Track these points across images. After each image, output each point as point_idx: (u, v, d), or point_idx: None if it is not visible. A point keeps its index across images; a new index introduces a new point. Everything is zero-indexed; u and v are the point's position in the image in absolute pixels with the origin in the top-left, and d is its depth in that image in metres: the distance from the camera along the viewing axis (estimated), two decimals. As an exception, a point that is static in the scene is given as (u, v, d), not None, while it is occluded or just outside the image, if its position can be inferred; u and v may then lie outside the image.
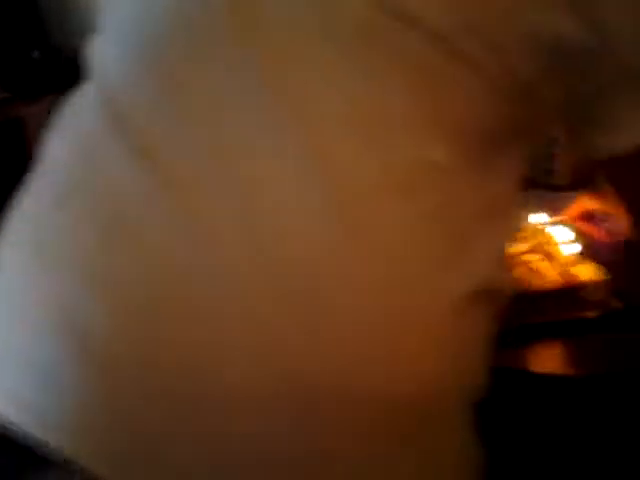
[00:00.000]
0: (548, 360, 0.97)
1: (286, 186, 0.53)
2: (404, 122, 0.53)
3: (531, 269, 1.07)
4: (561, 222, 1.13)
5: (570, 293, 1.03)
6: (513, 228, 0.62)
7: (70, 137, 0.62)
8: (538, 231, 1.14)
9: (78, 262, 0.56)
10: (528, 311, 1.02)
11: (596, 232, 1.08)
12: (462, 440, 0.59)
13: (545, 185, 1.26)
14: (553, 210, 1.18)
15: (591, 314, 1.02)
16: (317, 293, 0.52)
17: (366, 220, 0.53)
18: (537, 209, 1.19)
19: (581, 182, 0.84)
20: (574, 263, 1.07)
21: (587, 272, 1.05)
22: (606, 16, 0.55)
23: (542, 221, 1.15)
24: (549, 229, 1.13)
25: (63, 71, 1.66)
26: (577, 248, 1.09)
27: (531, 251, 1.12)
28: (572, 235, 1.11)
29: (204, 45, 0.57)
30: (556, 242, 1.12)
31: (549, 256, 1.10)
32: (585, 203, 1.10)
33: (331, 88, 0.53)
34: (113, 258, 0.55)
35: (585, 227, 1.10)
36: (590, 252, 1.11)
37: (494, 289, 0.60)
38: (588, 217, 1.10)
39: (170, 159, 0.56)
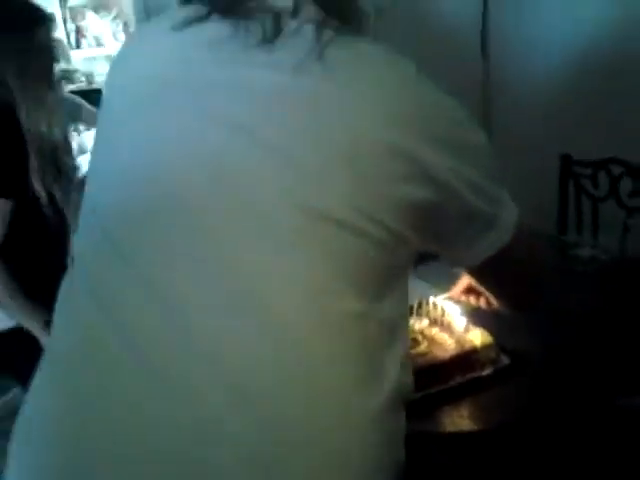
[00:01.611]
0: (458, 419, 1.16)
1: (243, 337, 0.71)
2: (329, 285, 0.73)
3: (433, 341, 1.28)
4: (450, 298, 1.35)
5: (467, 357, 1.24)
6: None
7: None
8: (433, 307, 1.35)
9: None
10: (437, 378, 1.22)
11: (479, 302, 1.30)
12: None
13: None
14: (445, 286, 1.40)
15: (486, 372, 1.24)
16: (272, 409, 0.69)
17: (306, 357, 0.72)
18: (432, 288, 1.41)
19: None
20: (466, 331, 1.29)
21: (478, 337, 1.27)
22: (449, 182, 0.76)
23: (435, 298, 1.37)
24: (441, 304, 1.35)
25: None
26: (466, 318, 1.31)
27: (430, 325, 1.33)
28: (460, 307, 1.33)
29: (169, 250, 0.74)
30: (449, 314, 1.33)
31: (445, 328, 1.31)
32: (468, 278, 1.32)
33: (276, 270, 0.73)
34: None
35: (470, 299, 1.32)
36: (477, 320, 1.33)
37: (403, 391, 0.77)
38: (471, 290, 1.32)
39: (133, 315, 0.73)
